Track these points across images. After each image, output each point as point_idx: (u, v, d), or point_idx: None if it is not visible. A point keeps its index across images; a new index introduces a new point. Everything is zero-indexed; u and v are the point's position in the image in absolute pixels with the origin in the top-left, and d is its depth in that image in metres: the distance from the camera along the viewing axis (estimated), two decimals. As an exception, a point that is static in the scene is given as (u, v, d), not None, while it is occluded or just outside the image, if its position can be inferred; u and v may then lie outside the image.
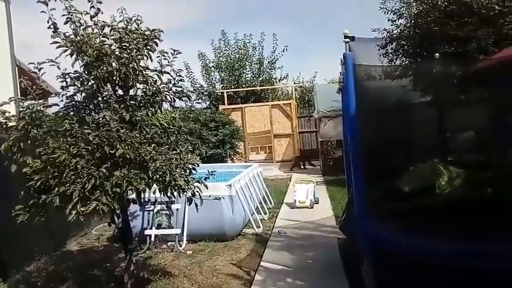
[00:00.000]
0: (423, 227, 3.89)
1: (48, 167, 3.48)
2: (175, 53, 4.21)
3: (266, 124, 16.54)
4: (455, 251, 3.38)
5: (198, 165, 4.18)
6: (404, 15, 7.10)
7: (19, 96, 3.84)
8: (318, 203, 8.46)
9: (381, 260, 3.65)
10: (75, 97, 4.15)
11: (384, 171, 4.40)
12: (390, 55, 7.02)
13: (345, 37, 3.71)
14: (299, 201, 8.32)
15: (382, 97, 5.10)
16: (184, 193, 4.03)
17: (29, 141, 3.76)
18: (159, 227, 4.51)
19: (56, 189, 3.42)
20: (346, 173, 5.34)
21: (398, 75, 5.89)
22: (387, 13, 7.41)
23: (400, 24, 7.40)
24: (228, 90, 18.29)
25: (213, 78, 19.59)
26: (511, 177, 4.54)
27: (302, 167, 15.09)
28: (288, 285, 4.41)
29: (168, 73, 4.25)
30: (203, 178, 4.14)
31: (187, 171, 4.08)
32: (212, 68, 19.51)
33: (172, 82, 4.31)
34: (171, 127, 4.30)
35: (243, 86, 19.03)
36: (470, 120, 5.66)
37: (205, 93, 18.43)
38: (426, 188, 4.45)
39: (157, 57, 4.25)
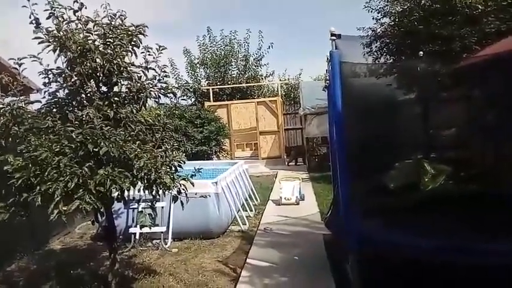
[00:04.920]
0: (408, 223, 3.95)
1: (30, 165, 3.39)
2: (161, 48, 4.15)
3: (252, 121, 16.51)
4: (440, 247, 3.44)
5: (184, 163, 4.15)
6: (389, 13, 7.18)
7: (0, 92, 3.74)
8: (303, 200, 8.51)
9: (365, 256, 3.69)
10: (57, 94, 4.06)
11: (369, 168, 4.44)
12: (375, 53, 7.10)
13: (332, 35, 3.71)
14: (285, 198, 8.35)
15: (367, 94, 5.14)
16: (170, 191, 3.99)
17: (10, 139, 3.67)
18: (142, 227, 4.45)
19: (38, 187, 3.34)
20: (332, 170, 5.37)
21: (383, 73, 5.95)
22: (371, 11, 7.48)
23: (385, 22, 7.50)
24: (213, 87, 18.20)
25: (199, 75, 19.46)
26: (492, 174, 4.65)
27: (294, 163, 15.20)
28: (274, 282, 4.42)
29: (153, 69, 4.19)
30: (189, 175, 4.10)
31: (173, 168, 4.05)
32: (197, 65, 19.36)
33: (157, 78, 4.25)
34: (157, 124, 4.25)
35: (229, 82, 18.95)
36: (453, 117, 5.76)
37: (190, 89, 18.28)
38: (411, 184, 4.53)
39: (142, 53, 4.19)
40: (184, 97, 18.44)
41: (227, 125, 14.68)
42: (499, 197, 4.08)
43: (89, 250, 6.09)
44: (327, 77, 4.92)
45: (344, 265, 4.25)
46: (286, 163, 15.43)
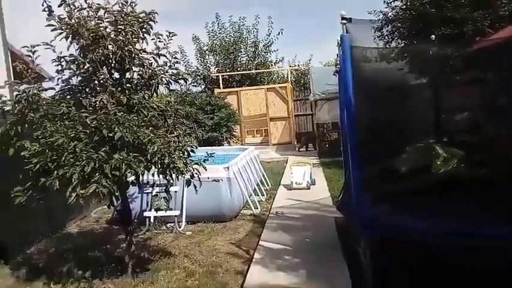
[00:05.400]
0: (419, 207, 3.97)
1: (47, 150, 3.50)
2: (171, 35, 4.19)
3: (262, 107, 16.51)
4: (451, 231, 3.46)
5: (196, 148, 4.22)
6: (400, -4, 7.06)
7: (14, 80, 3.83)
8: (314, 185, 8.55)
9: (376, 241, 3.73)
10: (70, 81, 4.15)
11: (380, 153, 4.45)
12: (386, 37, 7.01)
13: (342, 19, 3.69)
14: (296, 183, 8.40)
15: (378, 79, 5.11)
16: (183, 175, 4.07)
17: (26, 125, 3.77)
18: (157, 210, 4.56)
19: (56, 172, 3.45)
20: (343, 155, 5.39)
21: (394, 58, 5.89)
22: (383, -5, 7.35)
23: (396, 6, 7.38)
24: (223, 74, 18.18)
25: (208, 62, 19.43)
26: (505, 158, 4.61)
27: (305, 148, 15.22)
28: (287, 263, 4.50)
29: (164, 55, 4.24)
30: (202, 160, 4.17)
31: (186, 153, 4.12)
32: (206, 52, 19.32)
33: (168, 64, 4.31)
34: (168, 110, 4.32)
35: (238, 69, 18.90)
36: (465, 101, 5.70)
37: (200, 76, 18.29)
38: (422, 168, 4.52)
39: (153, 39, 4.24)
40: (195, 84, 18.49)
41: (237, 112, 14.71)
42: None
43: (104, 233, 6.24)
44: (338, 62, 4.90)
45: (356, 248, 4.31)
46: (297, 149, 15.45)
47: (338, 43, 4.29)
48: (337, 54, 4.66)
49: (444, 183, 4.28)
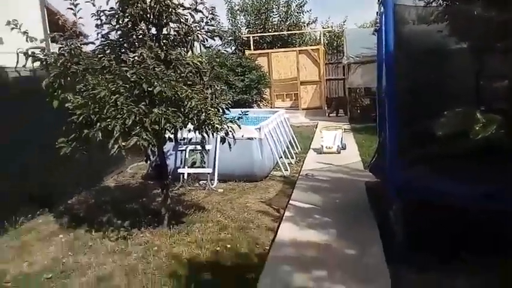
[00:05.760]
0: (455, 171, 3.91)
1: (89, 103, 3.62)
2: (208, -10, 4.14)
3: (293, 71, 16.24)
4: (487, 196, 3.41)
5: (231, 106, 4.25)
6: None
7: (58, 33, 3.91)
8: (345, 149, 8.50)
9: (409, 204, 3.73)
10: (109, 35, 4.20)
11: (418, 116, 4.36)
12: (426, -2, 6.61)
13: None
14: (326, 147, 8.37)
15: (420, 40, 4.92)
16: (218, 132, 4.14)
17: (68, 78, 3.89)
18: (193, 165, 4.70)
19: (98, 124, 3.58)
20: (378, 118, 5.31)
21: (434, 19, 5.60)
22: None
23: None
24: (254, 35, 17.87)
25: (239, 22, 19.10)
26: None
27: (335, 114, 15.04)
28: (317, 222, 4.59)
29: (201, 11, 4.21)
30: (236, 118, 4.22)
31: (220, 111, 4.17)
32: (238, 12, 18.96)
33: (205, 21, 4.28)
34: (204, 67, 4.33)
35: (270, 30, 18.51)
36: (506, 68, 5.42)
37: (231, 36, 18.06)
38: (460, 132, 4.41)
39: (189, -5, 4.20)
40: (226, 44, 18.31)
41: (268, 74, 14.55)
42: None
43: (140, 188, 6.50)
44: (377, 20, 4.71)
45: (387, 211, 4.33)
46: (327, 114, 15.27)
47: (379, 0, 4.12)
48: (377, 12, 4.49)
49: (482, 148, 4.16)
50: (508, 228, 3.56)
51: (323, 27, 20.08)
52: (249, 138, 5.75)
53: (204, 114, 3.79)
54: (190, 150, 6.11)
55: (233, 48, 18.56)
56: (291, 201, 5.32)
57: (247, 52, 16.08)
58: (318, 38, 19.25)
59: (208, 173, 6.16)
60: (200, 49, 4.59)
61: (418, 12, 5.44)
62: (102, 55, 3.96)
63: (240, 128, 4.18)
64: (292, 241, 4.06)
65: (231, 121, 4.21)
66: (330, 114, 15.18)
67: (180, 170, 6.23)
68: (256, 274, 3.45)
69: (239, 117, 4.22)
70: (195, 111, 3.79)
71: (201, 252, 4.01)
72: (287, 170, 7.01)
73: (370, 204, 4.98)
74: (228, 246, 4.13)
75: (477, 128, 4.52)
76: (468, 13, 5.52)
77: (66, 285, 3.52)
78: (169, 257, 3.92)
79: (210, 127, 4.00)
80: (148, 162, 6.81)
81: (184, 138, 5.02)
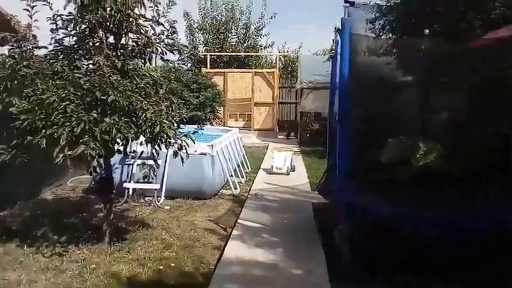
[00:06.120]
0: (397, 196, 4.12)
1: (36, 109, 3.44)
2: (171, 4, 4.15)
3: (247, 91, 16.48)
4: (428, 220, 3.63)
5: (186, 120, 4.22)
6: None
7: (10, 33, 3.71)
8: (294, 171, 8.68)
9: (355, 224, 3.87)
10: (64, 41, 4.06)
11: (366, 143, 4.57)
12: (377, 31, 7.03)
13: (345, 1, 3.70)
14: (276, 168, 8.50)
15: (372, 71, 5.20)
16: (172, 146, 4.07)
17: (15, 82, 3.68)
18: (144, 178, 4.56)
19: (44, 131, 3.39)
20: (328, 142, 5.50)
21: (383, 52, 5.97)
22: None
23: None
24: (211, 54, 17.99)
25: (197, 40, 19.17)
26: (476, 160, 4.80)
27: (287, 137, 15.32)
28: (265, 240, 4.60)
29: (162, 24, 4.19)
30: (192, 132, 4.18)
31: (175, 124, 4.12)
32: (196, 29, 19.04)
33: (165, 34, 4.26)
34: (161, 80, 4.29)
35: (227, 50, 18.74)
36: (448, 101, 5.87)
37: (188, 52, 18.03)
38: (403, 160, 4.67)
39: (150, 7, 4.18)
40: (182, 61, 18.19)
41: (223, 93, 14.63)
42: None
43: (81, 202, 6.17)
44: (333, 48, 4.94)
45: (332, 232, 4.45)
46: (284, 136, 15.46)
47: (335, 29, 4.33)
48: (333, 40, 4.70)
49: (423, 175, 4.43)
50: (444, 252, 3.78)
51: (279, 52, 20.69)
52: (202, 153, 5.69)
53: (158, 126, 3.72)
54: (138, 164, 5.93)
55: (189, 65, 18.51)
56: (239, 220, 5.30)
57: (203, 70, 16.11)
58: (274, 61, 19.76)
59: (156, 189, 5.99)
60: (155, 62, 4.54)
61: (368, 43, 5.78)
62: (54, 60, 3.79)
63: (194, 143, 4.14)
64: (239, 260, 4.03)
65: (185, 135, 4.16)
66: (283, 136, 15.44)
67: (125, 185, 6.01)
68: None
69: (194, 132, 4.19)
70: (149, 123, 3.71)
71: (142, 270, 3.85)
72: (237, 189, 7.01)
73: (316, 224, 5.10)
74: (172, 264, 4.00)
75: (418, 155, 4.83)
76: (415, 46, 5.94)
77: (-9, 304, 3.23)
78: (108, 275, 3.71)
79: (163, 140, 3.92)
80: (92, 175, 6.55)
81: (133, 151, 4.87)
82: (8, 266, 3.84)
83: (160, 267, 3.92)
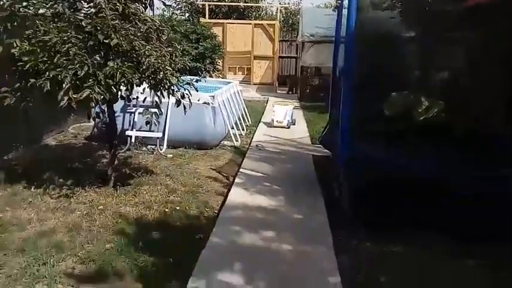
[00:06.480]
0: (397, 148, 4.20)
1: (38, 50, 3.38)
2: None
3: (247, 44, 16.12)
4: (425, 168, 3.72)
5: (189, 67, 4.18)
6: None
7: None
8: (294, 125, 8.72)
9: (355, 175, 3.96)
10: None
11: (370, 95, 4.57)
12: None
13: None
14: (277, 121, 8.53)
15: (378, 25, 5.11)
16: (174, 94, 4.07)
17: (15, 23, 3.59)
18: (147, 124, 4.58)
19: (47, 73, 3.36)
20: (331, 95, 5.51)
21: (386, 7, 5.82)
22: None
23: None
24: (209, 3, 17.40)
25: (195, -12, 18.48)
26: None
27: (289, 91, 15.18)
28: (267, 188, 4.73)
29: (164, -35, 4.04)
30: (194, 81, 4.16)
31: (178, 73, 4.08)
32: (195, -23, 18.31)
33: (167, -23, 4.12)
34: (164, 26, 4.20)
35: (226, 0, 18.13)
36: (448, 60, 5.82)
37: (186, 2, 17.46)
38: (405, 113, 4.71)
39: None
40: (179, 11, 17.70)
41: (222, 45, 14.32)
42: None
43: (84, 148, 6.23)
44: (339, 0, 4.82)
45: (332, 183, 4.58)
46: (288, 91, 15.30)
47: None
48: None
49: (423, 128, 4.49)
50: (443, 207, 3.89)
51: (280, 3, 20.03)
52: (204, 103, 5.67)
53: (161, 73, 3.69)
54: (140, 113, 5.92)
55: (187, 15, 17.97)
56: (241, 169, 5.41)
57: (202, 20, 15.66)
58: (274, 13, 19.20)
59: (158, 138, 6.04)
60: (153, 12, 4.41)
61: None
62: (53, 2, 3.67)
63: (198, 91, 4.13)
64: (242, 205, 4.16)
65: (188, 83, 4.14)
66: (283, 91, 15.30)
67: (127, 133, 6.03)
68: (206, 234, 3.51)
69: (197, 80, 4.17)
70: (152, 69, 3.68)
71: (149, 212, 3.99)
72: (238, 141, 7.07)
73: (317, 175, 5.21)
74: (177, 208, 4.14)
75: (420, 110, 4.87)
76: (419, 1, 5.79)
77: (4, 239, 3.34)
78: (116, 216, 3.84)
79: (166, 87, 3.91)
80: (93, 122, 6.55)
81: (136, 98, 4.85)
82: (18, 206, 3.96)
83: (166, 210, 4.06)
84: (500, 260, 3.27)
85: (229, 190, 4.62)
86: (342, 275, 2.94)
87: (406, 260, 3.29)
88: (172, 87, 3.97)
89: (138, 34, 3.74)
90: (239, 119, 8.14)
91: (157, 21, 4.14)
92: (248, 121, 8.97)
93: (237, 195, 4.43)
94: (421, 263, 3.23)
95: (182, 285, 2.77)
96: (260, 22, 16.94)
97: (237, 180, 4.95)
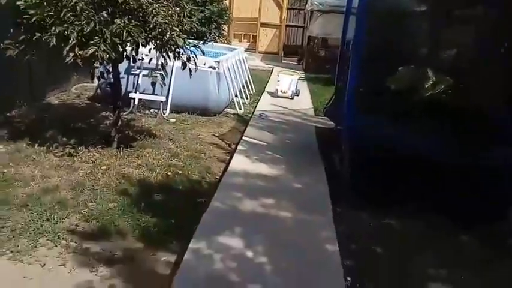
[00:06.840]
0: (403, 123, 4.18)
1: (45, 4, 3.30)
2: None
3: (254, 11, 15.75)
4: (430, 145, 3.71)
5: (196, 29, 4.09)
6: None
7: None
8: (298, 96, 8.66)
9: (358, 147, 3.96)
10: None
11: (377, 69, 4.51)
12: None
13: None
14: (281, 91, 8.46)
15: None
16: (180, 56, 4.00)
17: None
18: (153, 85, 4.54)
19: (53, 28, 3.29)
20: (338, 66, 5.44)
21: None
22: None
23: None
24: (217, -35, 16.84)
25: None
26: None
27: (298, 62, 14.98)
28: (268, 157, 4.74)
29: None
30: (201, 43, 4.09)
31: (185, 34, 4.00)
32: None
33: None
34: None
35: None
36: (458, 38, 5.69)
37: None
38: (412, 88, 4.65)
39: None
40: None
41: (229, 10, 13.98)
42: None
43: (87, 108, 6.20)
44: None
45: (334, 154, 4.59)
46: (298, 62, 15.09)
47: None
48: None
49: (429, 104, 4.45)
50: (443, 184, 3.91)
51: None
52: (210, 67, 5.60)
53: (168, 33, 3.62)
54: (144, 75, 5.85)
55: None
56: (243, 137, 5.41)
57: (208, -17, 15.19)
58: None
59: (162, 101, 6.00)
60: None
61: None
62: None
63: (204, 54, 4.07)
64: (243, 172, 4.18)
65: (194, 46, 4.07)
66: (289, 61, 15.05)
67: (131, 95, 6.00)
68: (207, 198, 3.55)
69: (204, 42, 4.09)
70: (159, 30, 3.61)
71: (151, 174, 4.01)
72: (241, 109, 7.04)
73: (319, 147, 5.22)
74: (180, 172, 4.16)
75: (427, 85, 4.81)
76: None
77: (8, 194, 3.37)
78: (119, 176, 3.87)
79: (173, 49, 3.84)
80: (97, 82, 6.49)
81: (142, 59, 4.78)
82: (21, 162, 3.96)
83: (169, 173, 4.08)
84: (499, 236, 3.32)
85: (231, 157, 4.64)
86: (340, 244, 2.99)
87: (403, 233, 3.34)
88: (178, 49, 3.90)
89: (146, -8, 3.63)
90: (243, 87, 8.08)
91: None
92: (252, 90, 8.90)
93: (239, 162, 4.45)
94: (418, 237, 3.28)
95: (183, 246, 2.82)
96: (268, -13, 16.47)
97: (239, 147, 4.96)
